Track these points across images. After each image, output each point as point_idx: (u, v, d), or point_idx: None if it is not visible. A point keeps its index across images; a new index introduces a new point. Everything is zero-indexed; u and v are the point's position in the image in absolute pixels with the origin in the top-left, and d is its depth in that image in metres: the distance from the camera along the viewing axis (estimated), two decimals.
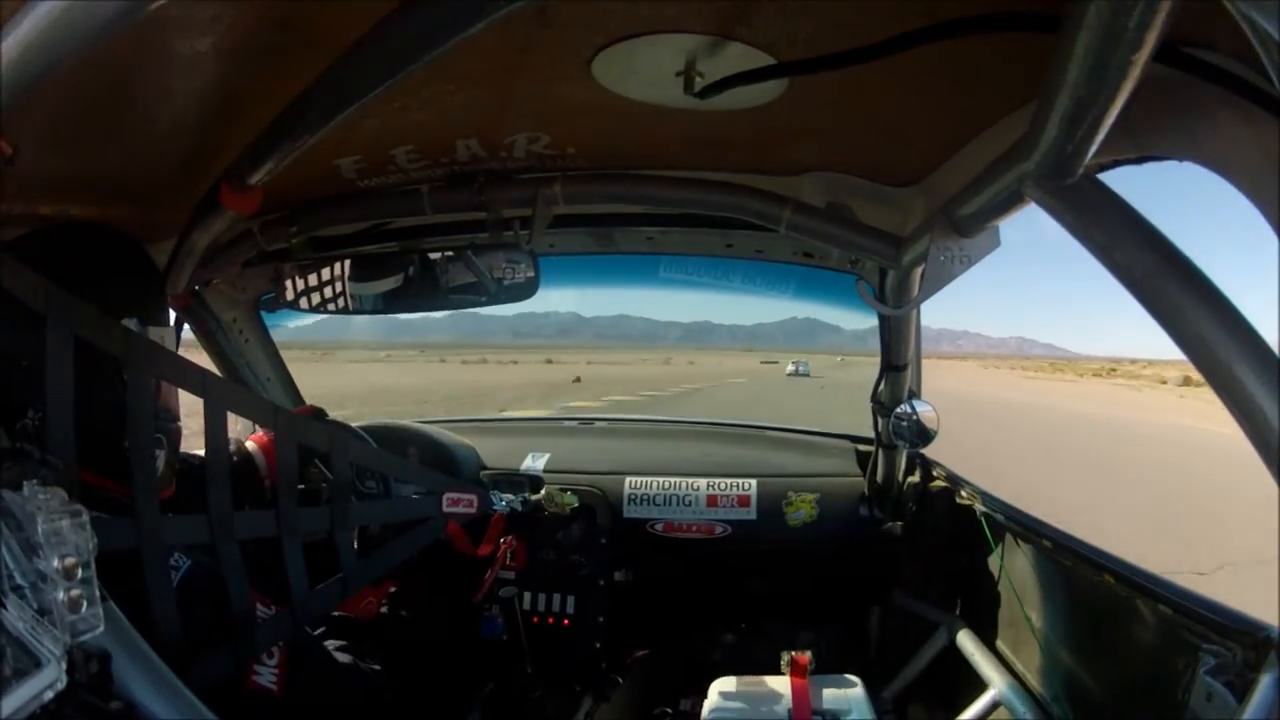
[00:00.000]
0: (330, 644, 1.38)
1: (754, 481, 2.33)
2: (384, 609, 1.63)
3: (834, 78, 0.94)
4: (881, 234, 1.39)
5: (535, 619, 2.20)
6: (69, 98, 0.82)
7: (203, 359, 2.11)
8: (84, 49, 0.56)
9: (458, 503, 1.55)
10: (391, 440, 2.21)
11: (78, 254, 1.12)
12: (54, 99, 0.79)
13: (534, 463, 2.39)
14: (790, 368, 54.67)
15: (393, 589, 1.68)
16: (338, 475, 1.32)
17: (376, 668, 1.40)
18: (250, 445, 1.70)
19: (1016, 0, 0.78)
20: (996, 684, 1.74)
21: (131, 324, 1.11)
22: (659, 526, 2.32)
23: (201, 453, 1.16)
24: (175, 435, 1.24)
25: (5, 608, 0.53)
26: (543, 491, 2.18)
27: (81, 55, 0.56)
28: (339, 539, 1.31)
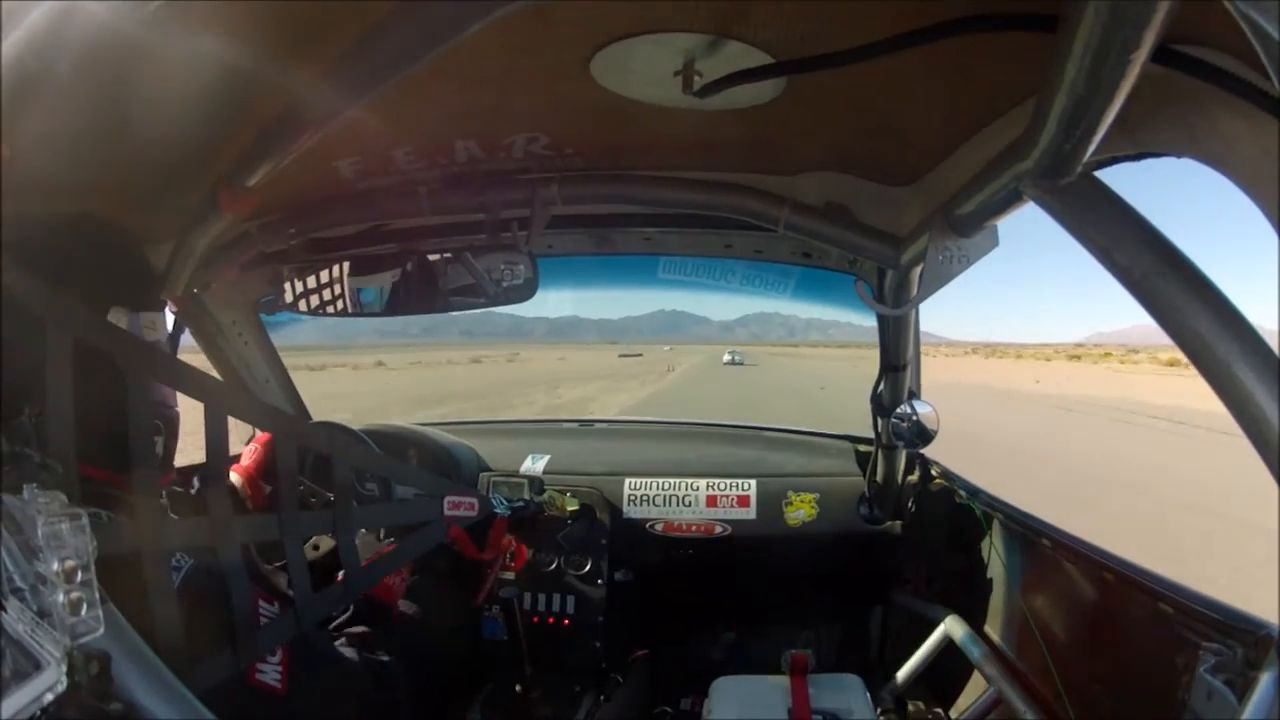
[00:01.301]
0: (344, 633, 1.39)
1: (753, 481, 2.33)
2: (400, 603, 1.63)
3: (832, 77, 0.94)
4: (880, 234, 1.39)
5: (535, 619, 2.20)
6: (68, 98, 0.82)
7: (202, 361, 2.11)
8: (84, 49, 0.55)
9: (458, 506, 1.55)
10: (391, 442, 2.21)
11: (68, 249, 1.11)
12: (53, 100, 0.78)
13: (534, 464, 2.39)
14: (726, 357, 55.32)
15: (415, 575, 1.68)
16: (339, 479, 1.32)
17: (385, 659, 1.40)
18: (232, 476, 1.69)
19: (1015, 0, 0.78)
20: (996, 682, 1.74)
21: (119, 314, 1.10)
22: (659, 527, 2.32)
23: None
24: (173, 422, 1.24)
25: (5, 610, 0.53)
26: (546, 494, 2.18)
27: (81, 55, 0.56)
28: (341, 542, 1.31)
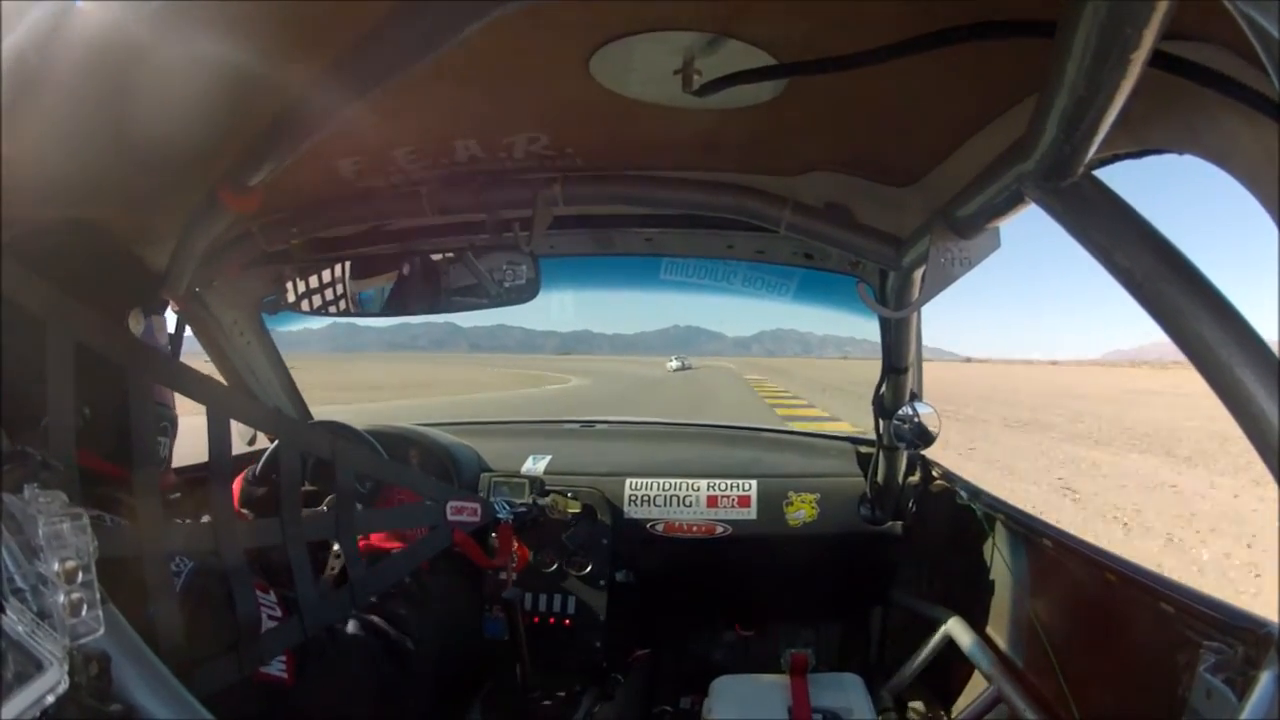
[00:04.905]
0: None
1: (754, 482, 2.33)
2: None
3: (832, 76, 0.94)
4: (881, 235, 1.39)
5: (537, 619, 2.20)
6: (69, 98, 0.82)
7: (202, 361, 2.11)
8: (85, 49, 0.56)
9: (461, 511, 1.55)
10: (392, 443, 2.21)
11: (67, 250, 1.12)
12: (54, 100, 0.79)
13: (535, 465, 2.39)
14: (674, 363, 56.74)
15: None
16: (341, 482, 1.32)
17: (394, 636, 1.40)
18: None
19: (1015, 2, 0.78)
20: (996, 682, 1.74)
21: (140, 319, 1.12)
22: (660, 527, 2.32)
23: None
24: (174, 423, 1.25)
25: (6, 611, 0.53)
26: (549, 498, 2.18)
27: (82, 55, 0.56)
28: (344, 547, 1.31)
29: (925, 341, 1.96)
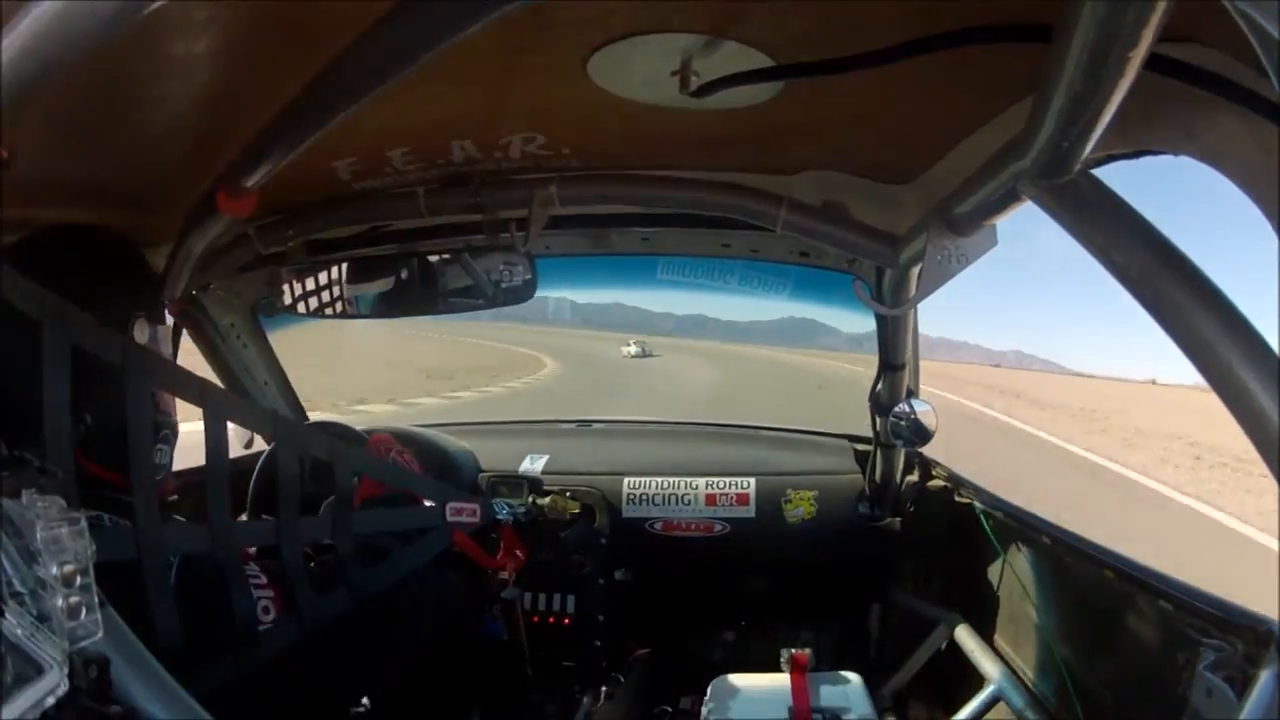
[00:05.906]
0: None
1: (752, 480, 2.33)
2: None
3: (829, 76, 0.94)
4: (878, 233, 1.39)
5: (536, 618, 2.20)
6: (65, 100, 0.82)
7: (199, 363, 2.10)
8: (82, 50, 0.55)
9: (461, 512, 1.55)
10: None
11: (77, 258, 1.12)
12: (50, 101, 0.78)
13: (532, 464, 2.39)
14: (632, 348, 40.18)
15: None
16: (339, 484, 1.32)
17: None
18: None
19: (1011, 1, 0.78)
20: (995, 680, 1.74)
21: (144, 326, 1.13)
22: (658, 526, 2.32)
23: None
24: (175, 430, 1.25)
25: (5, 615, 0.53)
26: (549, 499, 2.18)
27: (80, 57, 0.56)
28: (341, 547, 1.31)
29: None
